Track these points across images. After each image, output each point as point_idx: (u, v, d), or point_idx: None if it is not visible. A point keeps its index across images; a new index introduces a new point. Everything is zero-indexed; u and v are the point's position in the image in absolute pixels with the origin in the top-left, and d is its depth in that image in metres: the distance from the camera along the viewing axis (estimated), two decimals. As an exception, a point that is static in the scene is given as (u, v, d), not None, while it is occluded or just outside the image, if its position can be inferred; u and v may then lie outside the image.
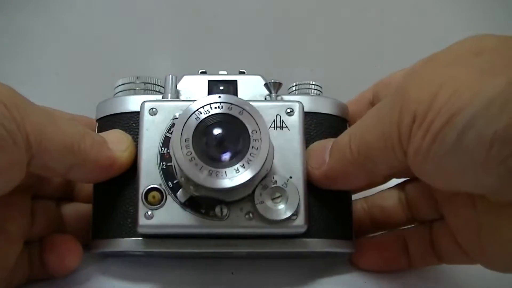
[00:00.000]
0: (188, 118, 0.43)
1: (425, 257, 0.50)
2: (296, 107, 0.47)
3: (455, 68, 0.37)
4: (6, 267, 0.43)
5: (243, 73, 0.52)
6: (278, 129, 0.46)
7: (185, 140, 0.42)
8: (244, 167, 0.42)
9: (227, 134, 0.43)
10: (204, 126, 0.43)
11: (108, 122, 0.50)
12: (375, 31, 0.76)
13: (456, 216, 0.45)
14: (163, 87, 0.51)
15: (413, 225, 0.52)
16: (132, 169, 0.46)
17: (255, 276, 0.51)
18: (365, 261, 0.52)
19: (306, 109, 0.48)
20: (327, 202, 0.48)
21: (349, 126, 0.52)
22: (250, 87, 0.50)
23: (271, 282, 0.50)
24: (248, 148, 0.42)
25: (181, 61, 0.73)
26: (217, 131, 0.43)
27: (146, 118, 0.46)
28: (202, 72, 0.52)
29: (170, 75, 0.49)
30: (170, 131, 0.46)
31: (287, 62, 0.75)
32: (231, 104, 0.43)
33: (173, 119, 0.46)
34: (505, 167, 0.34)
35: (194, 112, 0.43)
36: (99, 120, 0.51)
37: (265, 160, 0.42)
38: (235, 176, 0.42)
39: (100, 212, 0.48)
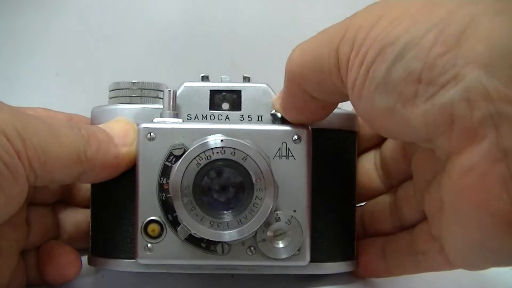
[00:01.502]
0: (188, 164, 0.41)
1: (403, 265, 0.48)
2: (303, 134, 0.44)
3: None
4: (0, 283, 0.43)
5: (247, 78, 0.48)
6: (284, 158, 0.44)
7: (185, 188, 0.41)
8: (247, 218, 0.41)
9: (229, 183, 0.41)
10: (205, 174, 0.41)
11: (103, 133, 0.47)
12: None
13: (430, 201, 0.42)
14: (161, 91, 0.47)
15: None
16: (130, 186, 0.45)
17: (255, 279, 0.51)
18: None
19: (313, 126, 0.45)
20: (332, 226, 0.47)
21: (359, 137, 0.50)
22: (255, 99, 0.47)
23: (271, 285, 0.51)
24: (252, 198, 0.41)
25: (182, 60, 0.69)
26: (219, 180, 0.41)
27: (143, 144, 0.44)
28: (203, 77, 0.48)
29: (169, 90, 0.45)
30: (169, 159, 0.43)
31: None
32: (234, 149, 0.41)
33: (172, 148, 0.43)
34: (432, 104, 0.31)
35: (194, 157, 0.41)
36: None
37: (270, 210, 0.41)
38: (238, 228, 0.41)
39: (98, 230, 0.47)
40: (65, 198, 0.51)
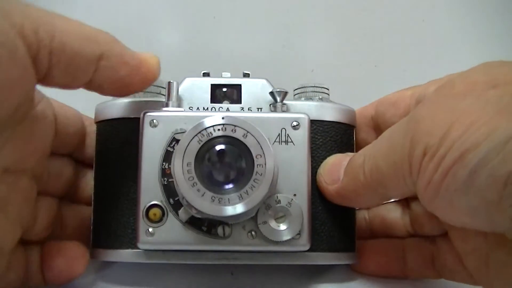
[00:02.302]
0: (190, 141, 0.42)
1: (422, 270, 0.50)
2: (302, 121, 0.45)
3: (470, 100, 0.36)
4: (1, 252, 0.42)
5: (247, 75, 0.50)
6: (283, 143, 0.45)
7: (187, 165, 0.41)
8: (247, 193, 0.41)
9: (230, 159, 0.42)
10: (206, 150, 0.42)
11: (107, 127, 0.48)
12: (375, 31, 0.74)
13: (464, 243, 0.45)
14: (164, 88, 0.49)
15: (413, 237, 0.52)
16: (131, 177, 0.46)
17: (255, 277, 0.51)
18: (361, 264, 0.52)
19: (312, 117, 0.47)
20: (331, 215, 0.47)
21: (356, 132, 0.51)
22: (255, 92, 0.48)
23: (271, 283, 0.51)
24: (252, 174, 0.41)
25: (184, 60, 0.70)
26: (220, 155, 0.42)
27: (146, 130, 0.45)
28: (204, 74, 0.50)
29: (172, 81, 0.47)
30: (171, 145, 0.44)
31: (288, 62, 0.73)
32: (235, 126, 0.42)
33: (175, 133, 0.44)
34: None
35: (196, 134, 0.42)
36: (98, 123, 0.49)
37: (270, 186, 0.41)
38: (239, 203, 0.41)
39: (100, 221, 0.48)
40: (70, 195, 0.52)
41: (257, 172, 0.41)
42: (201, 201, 0.41)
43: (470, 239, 0.44)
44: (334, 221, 0.47)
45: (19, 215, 0.43)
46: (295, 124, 0.45)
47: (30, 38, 0.35)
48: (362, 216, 0.53)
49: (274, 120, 0.45)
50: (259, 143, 0.42)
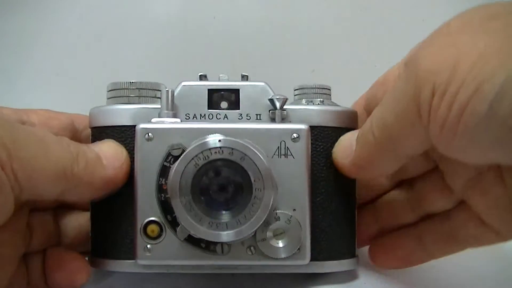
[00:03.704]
0: (186, 165, 0.40)
1: (444, 248, 0.49)
2: (302, 133, 0.44)
3: (471, 34, 0.34)
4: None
5: (245, 77, 0.48)
6: (283, 156, 0.44)
7: (184, 189, 0.40)
8: (246, 218, 0.41)
9: (227, 183, 0.41)
10: (203, 174, 0.41)
11: (102, 134, 0.47)
12: (375, 31, 0.73)
13: (484, 197, 0.44)
14: (159, 91, 0.47)
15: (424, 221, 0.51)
16: (129, 187, 0.45)
17: (255, 278, 0.51)
18: (381, 261, 0.52)
19: (313, 123, 0.45)
20: (332, 223, 0.47)
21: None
22: (253, 97, 0.47)
23: (271, 285, 0.51)
24: (250, 198, 0.41)
25: (181, 60, 0.69)
26: (217, 180, 0.41)
27: (141, 144, 0.43)
28: (201, 76, 0.48)
29: (167, 89, 0.45)
30: (168, 160, 0.43)
31: (288, 62, 0.72)
32: (232, 149, 0.41)
33: (171, 149, 0.43)
34: None
35: (193, 158, 0.40)
36: (93, 128, 0.48)
37: (268, 210, 0.41)
38: (236, 229, 0.40)
39: (98, 231, 0.47)
40: (66, 202, 0.51)
41: (255, 196, 0.41)
42: (198, 226, 0.40)
43: (489, 192, 0.43)
44: (335, 230, 0.47)
45: (11, 251, 0.44)
46: (295, 137, 0.44)
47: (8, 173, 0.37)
48: (368, 212, 0.53)
49: (273, 133, 0.44)
50: (257, 166, 0.41)
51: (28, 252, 0.46)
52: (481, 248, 0.48)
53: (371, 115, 0.43)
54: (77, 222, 0.50)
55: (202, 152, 0.40)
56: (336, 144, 0.46)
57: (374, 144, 0.42)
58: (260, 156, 0.41)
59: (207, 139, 0.41)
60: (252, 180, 0.40)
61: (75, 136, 0.50)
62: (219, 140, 0.40)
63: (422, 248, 0.50)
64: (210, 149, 0.40)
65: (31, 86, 0.71)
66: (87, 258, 0.49)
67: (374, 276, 0.52)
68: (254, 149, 0.41)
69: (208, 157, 0.40)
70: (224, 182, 0.41)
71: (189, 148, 0.41)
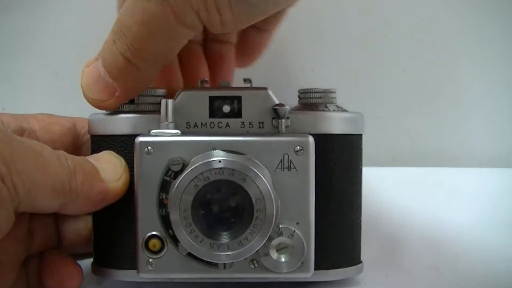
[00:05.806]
0: (186, 186, 0.40)
1: None
2: (306, 145, 0.42)
3: None
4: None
5: (248, 81, 0.46)
6: (286, 170, 0.42)
7: (184, 211, 0.40)
8: (247, 239, 0.40)
9: (228, 204, 0.40)
10: (203, 195, 0.40)
11: (101, 142, 0.46)
12: (375, 31, 0.71)
13: None
14: (159, 97, 0.46)
15: None
16: (130, 199, 0.44)
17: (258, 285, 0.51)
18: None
19: (317, 131, 0.44)
20: (336, 232, 0.46)
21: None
22: (256, 105, 0.45)
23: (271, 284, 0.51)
24: (252, 219, 0.40)
25: None
26: (217, 201, 0.40)
27: (141, 158, 0.42)
28: (202, 81, 0.46)
29: (166, 100, 0.43)
30: (168, 174, 0.42)
31: (287, 61, 0.70)
32: (233, 170, 0.39)
33: (170, 164, 0.42)
34: None
35: (192, 179, 0.40)
36: (92, 136, 0.47)
37: (270, 231, 0.40)
38: (238, 250, 0.40)
39: (100, 240, 0.47)
40: None
41: (257, 217, 0.40)
42: (199, 247, 0.40)
43: None
44: (339, 239, 0.46)
45: (12, 259, 0.43)
46: (298, 149, 0.42)
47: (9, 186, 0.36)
48: None
49: (275, 146, 0.42)
50: (258, 187, 0.40)
51: (28, 255, 0.46)
52: (482, 250, 0.47)
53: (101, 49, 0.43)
54: (76, 226, 0.50)
55: (202, 173, 0.39)
56: (82, 83, 0.45)
57: (136, 67, 0.42)
58: (262, 176, 0.40)
59: (207, 160, 0.40)
60: (254, 201, 0.40)
61: (77, 140, 0.50)
62: (220, 161, 0.39)
63: None
64: (210, 170, 0.39)
65: (31, 86, 0.70)
66: (91, 261, 0.49)
67: (374, 277, 0.52)
68: (255, 169, 0.40)
69: (209, 178, 0.39)
70: (224, 204, 0.40)
71: (189, 169, 0.40)
